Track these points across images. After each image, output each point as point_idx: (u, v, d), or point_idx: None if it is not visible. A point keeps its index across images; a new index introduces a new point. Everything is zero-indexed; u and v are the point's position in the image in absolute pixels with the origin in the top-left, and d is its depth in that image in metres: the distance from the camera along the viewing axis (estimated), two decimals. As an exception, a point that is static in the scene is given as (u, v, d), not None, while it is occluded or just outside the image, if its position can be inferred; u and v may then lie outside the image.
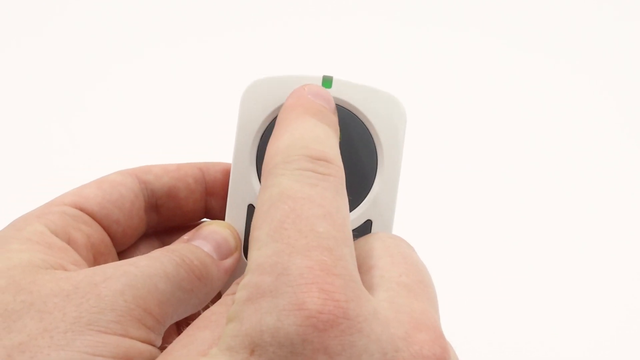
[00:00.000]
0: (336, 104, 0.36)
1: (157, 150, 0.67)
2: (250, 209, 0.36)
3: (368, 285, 0.28)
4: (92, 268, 0.30)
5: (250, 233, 0.28)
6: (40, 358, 0.27)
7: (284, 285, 0.25)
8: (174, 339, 0.38)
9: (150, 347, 0.30)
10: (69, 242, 0.33)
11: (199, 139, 0.71)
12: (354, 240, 0.28)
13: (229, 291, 0.30)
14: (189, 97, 0.79)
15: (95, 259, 0.35)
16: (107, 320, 0.28)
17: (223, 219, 0.37)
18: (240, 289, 0.26)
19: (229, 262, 0.35)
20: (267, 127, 0.36)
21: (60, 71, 0.81)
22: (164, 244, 0.39)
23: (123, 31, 0.83)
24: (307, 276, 0.25)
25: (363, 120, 0.36)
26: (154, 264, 0.31)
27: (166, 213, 0.38)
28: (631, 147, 0.78)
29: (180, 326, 0.39)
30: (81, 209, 0.35)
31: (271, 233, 0.26)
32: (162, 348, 0.37)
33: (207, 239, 0.35)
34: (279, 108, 0.36)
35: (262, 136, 0.36)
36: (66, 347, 0.27)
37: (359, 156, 0.36)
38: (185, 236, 0.35)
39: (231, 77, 0.49)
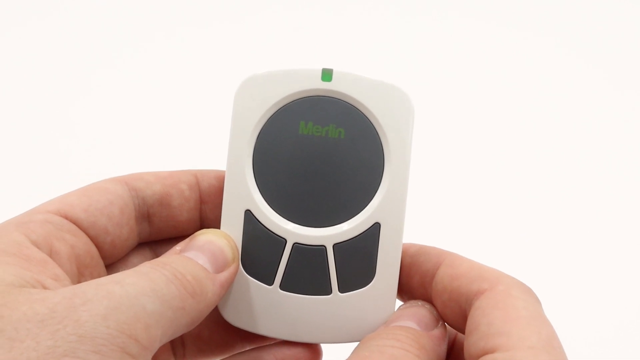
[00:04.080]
0: (338, 99, 0.33)
1: (152, 159, 0.65)
2: (247, 214, 0.33)
3: None
4: (71, 287, 0.28)
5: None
6: None
7: None
8: (167, 355, 0.36)
9: None
10: (51, 253, 0.31)
11: (195, 147, 0.69)
12: None
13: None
14: (183, 101, 0.76)
15: (80, 272, 0.32)
16: (85, 350, 0.25)
17: (219, 227, 0.34)
18: None
19: (225, 275, 0.32)
20: (264, 125, 0.33)
21: (48, 73, 0.79)
22: (157, 257, 0.36)
23: (111, 33, 0.81)
24: None
25: (367, 115, 0.33)
26: (142, 282, 0.28)
27: (159, 223, 0.35)
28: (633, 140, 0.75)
29: (174, 347, 0.36)
30: (66, 217, 0.32)
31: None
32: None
33: (201, 250, 0.32)
34: (276, 104, 0.33)
35: (258, 135, 0.33)
36: None
37: (364, 154, 0.33)
38: (178, 246, 0.33)
39: (228, 77, 0.47)
